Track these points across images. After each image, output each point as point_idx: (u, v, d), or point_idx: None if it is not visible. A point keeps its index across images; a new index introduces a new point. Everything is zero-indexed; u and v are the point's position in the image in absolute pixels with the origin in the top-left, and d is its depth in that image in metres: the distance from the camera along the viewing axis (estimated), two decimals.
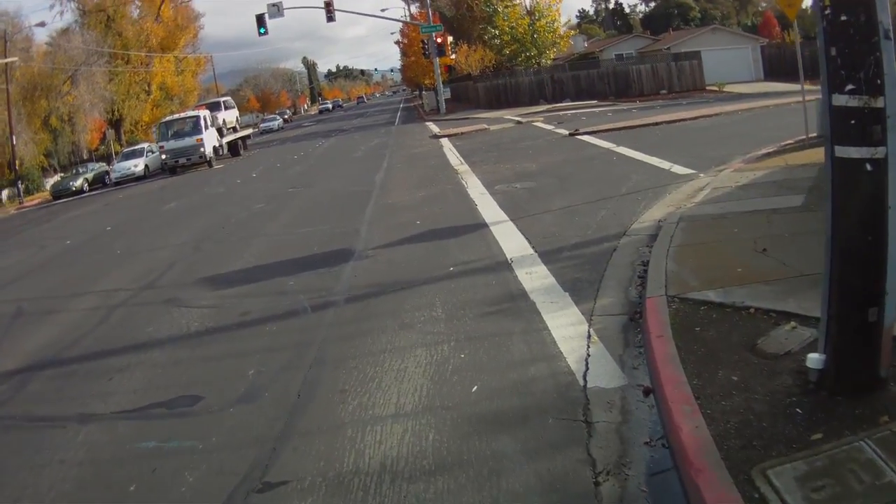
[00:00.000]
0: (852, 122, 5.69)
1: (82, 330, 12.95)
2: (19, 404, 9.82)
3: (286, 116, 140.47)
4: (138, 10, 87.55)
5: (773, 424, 5.83)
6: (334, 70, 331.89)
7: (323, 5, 63.15)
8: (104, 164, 63.92)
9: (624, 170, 20.96)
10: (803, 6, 20.08)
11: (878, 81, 5.58)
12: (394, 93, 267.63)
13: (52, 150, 72.61)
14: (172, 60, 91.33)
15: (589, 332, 8.94)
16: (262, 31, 60.48)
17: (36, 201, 56.64)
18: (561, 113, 49.88)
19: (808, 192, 13.81)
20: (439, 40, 66.57)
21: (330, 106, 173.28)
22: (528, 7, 75.06)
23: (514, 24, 73.12)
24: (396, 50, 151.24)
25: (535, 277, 11.53)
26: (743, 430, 5.82)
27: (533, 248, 13.43)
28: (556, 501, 5.73)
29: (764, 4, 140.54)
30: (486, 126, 45.54)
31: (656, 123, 33.90)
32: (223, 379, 9.26)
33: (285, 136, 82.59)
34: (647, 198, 16.37)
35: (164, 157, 51.57)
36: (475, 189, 21.20)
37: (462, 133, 43.44)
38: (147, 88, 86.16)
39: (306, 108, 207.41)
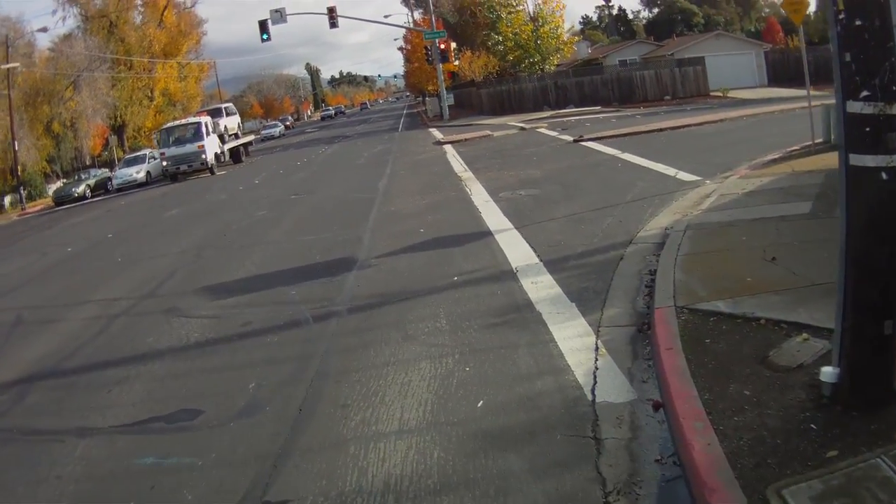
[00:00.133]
0: (867, 129, 5.57)
1: (82, 340, 12.84)
2: (17, 417, 9.70)
3: (288, 123, 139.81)
4: (141, 16, 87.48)
5: (787, 441, 5.70)
6: (338, 76, 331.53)
7: (326, 11, 63.11)
8: (107, 170, 63.76)
9: (629, 176, 20.85)
10: (808, 12, 20.01)
11: (894, 88, 5.45)
12: (397, 99, 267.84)
13: (55, 156, 72.47)
14: (175, 66, 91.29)
15: (596, 343, 8.81)
16: (265, 37, 60.45)
17: (38, 207, 56.48)
18: (565, 119, 49.84)
19: (816, 199, 13.71)
20: (442, 46, 66.51)
21: (332, 112, 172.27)
22: (532, 13, 74.93)
23: (517, 31, 72.98)
24: (400, 56, 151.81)
25: (540, 287, 11.40)
26: (756, 448, 5.70)
27: (538, 256, 13.30)
28: None
29: (767, 10, 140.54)
30: (490, 132, 45.46)
31: (661, 129, 33.84)
32: (223, 392, 9.13)
33: (288, 142, 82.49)
34: (653, 205, 16.26)
35: (165, 163, 51.36)
36: (479, 196, 21.09)
37: (466, 139, 43.35)
38: (150, 94, 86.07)
39: (309, 114, 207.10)
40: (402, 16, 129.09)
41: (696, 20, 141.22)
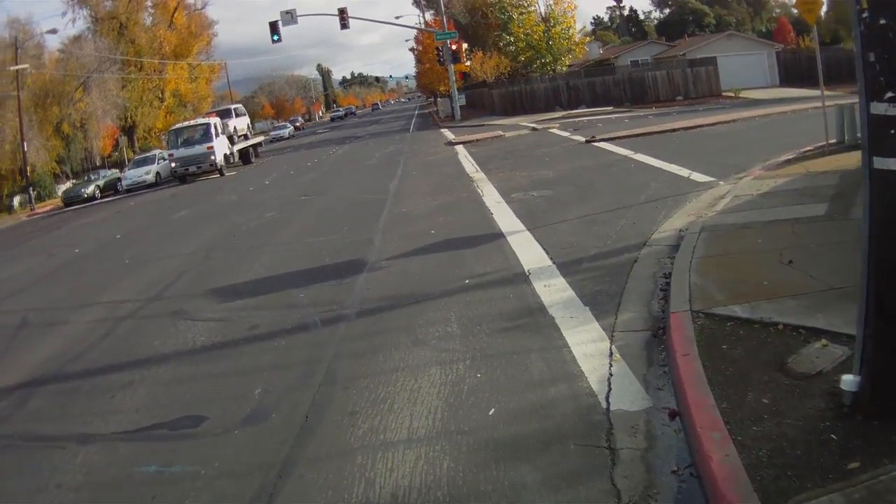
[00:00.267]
0: (892, 131, 5.41)
1: (87, 343, 12.72)
2: (19, 422, 9.58)
3: (298, 124, 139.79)
4: (151, 18, 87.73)
5: (808, 452, 5.56)
6: (349, 77, 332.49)
7: (337, 13, 63.11)
8: (117, 170, 64.01)
9: (642, 177, 20.71)
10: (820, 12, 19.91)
11: None
12: (409, 99, 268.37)
13: (65, 157, 72.61)
14: (186, 68, 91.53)
15: (611, 349, 8.65)
16: (276, 38, 60.45)
17: (47, 208, 56.63)
18: (577, 119, 49.81)
19: (832, 201, 13.59)
20: (454, 47, 66.45)
21: (342, 113, 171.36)
22: (543, 14, 74.90)
23: (529, 31, 72.96)
24: (411, 57, 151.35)
25: (553, 290, 11.24)
26: (776, 459, 5.55)
27: (551, 259, 13.16)
28: None
29: (778, 10, 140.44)
30: (502, 133, 45.42)
31: (673, 130, 33.73)
32: (229, 398, 8.99)
33: (299, 142, 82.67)
34: (667, 206, 16.10)
35: (173, 165, 51.33)
36: (491, 197, 20.97)
37: (477, 140, 43.32)
38: (160, 95, 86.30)
39: (321, 114, 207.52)
40: (414, 17, 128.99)
41: (707, 20, 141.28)
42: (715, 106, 49.32)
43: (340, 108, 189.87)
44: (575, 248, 13.70)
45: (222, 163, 51.19)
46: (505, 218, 17.57)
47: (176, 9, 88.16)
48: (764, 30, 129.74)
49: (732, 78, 62.75)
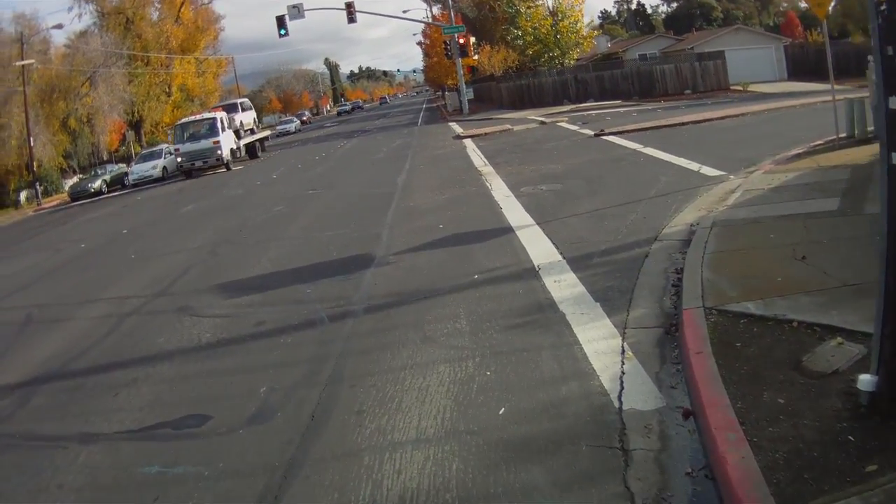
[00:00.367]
0: None
1: (91, 340, 12.65)
2: (21, 421, 9.50)
3: (304, 118, 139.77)
4: (158, 13, 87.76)
5: (825, 454, 5.45)
6: (357, 71, 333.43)
7: (344, 7, 62.98)
8: (123, 165, 64.01)
9: (652, 171, 20.58)
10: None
11: None
12: (416, 93, 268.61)
13: (72, 152, 72.55)
14: (193, 62, 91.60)
15: (623, 346, 8.52)
16: (283, 32, 60.46)
17: (54, 203, 56.71)
18: (585, 113, 49.67)
19: (843, 196, 13.46)
20: (462, 41, 66.34)
21: (349, 107, 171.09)
22: (551, 8, 74.86)
23: (536, 25, 73.03)
24: (419, 51, 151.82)
25: (563, 286, 11.13)
26: (792, 461, 5.43)
27: (561, 254, 13.04)
28: None
29: (786, 4, 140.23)
30: (510, 126, 45.31)
31: (682, 123, 33.62)
32: (233, 396, 8.89)
33: (307, 136, 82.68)
34: (678, 200, 15.97)
35: (179, 160, 51.23)
36: (500, 191, 20.86)
37: (485, 134, 43.23)
38: (167, 90, 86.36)
39: (328, 108, 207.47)
40: (421, 11, 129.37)
41: (715, 14, 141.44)
42: (723, 100, 49.27)
43: (347, 103, 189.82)
44: (585, 243, 13.57)
45: (228, 157, 51.12)
46: (514, 212, 17.45)
47: (183, 3, 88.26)
48: (771, 24, 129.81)
49: (740, 72, 62.69)
